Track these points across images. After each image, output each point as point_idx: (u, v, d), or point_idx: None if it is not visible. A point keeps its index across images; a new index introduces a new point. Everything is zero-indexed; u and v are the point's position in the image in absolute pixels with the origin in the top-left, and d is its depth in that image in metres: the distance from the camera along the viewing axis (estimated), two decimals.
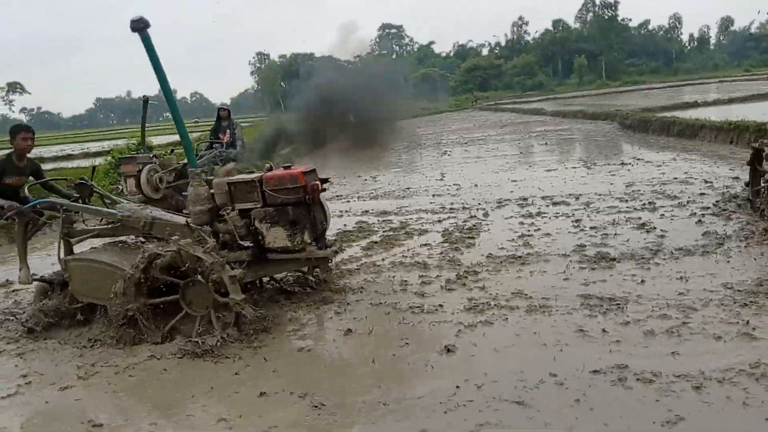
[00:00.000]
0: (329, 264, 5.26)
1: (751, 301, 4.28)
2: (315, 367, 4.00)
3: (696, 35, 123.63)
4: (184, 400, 3.70)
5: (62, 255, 5.06)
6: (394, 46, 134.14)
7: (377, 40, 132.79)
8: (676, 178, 9.32)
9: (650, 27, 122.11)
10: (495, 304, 4.68)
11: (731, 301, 4.33)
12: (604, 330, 4.03)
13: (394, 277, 5.64)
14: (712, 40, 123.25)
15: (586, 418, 3.05)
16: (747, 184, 7.12)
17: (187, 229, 4.81)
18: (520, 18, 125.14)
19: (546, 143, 17.41)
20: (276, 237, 4.86)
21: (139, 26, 4.53)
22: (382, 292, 5.24)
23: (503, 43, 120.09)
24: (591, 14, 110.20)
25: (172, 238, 4.59)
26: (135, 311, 4.45)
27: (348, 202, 10.33)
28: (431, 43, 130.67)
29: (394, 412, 3.30)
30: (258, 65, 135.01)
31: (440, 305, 4.77)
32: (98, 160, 17.71)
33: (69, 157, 28.49)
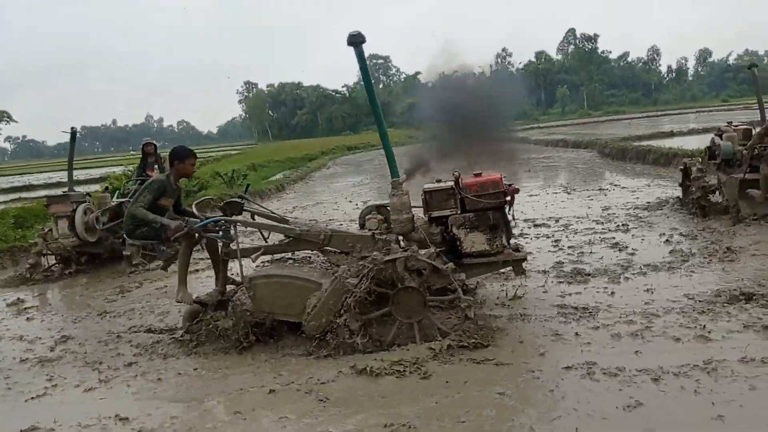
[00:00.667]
0: (524, 265, 5.29)
1: (708, 309, 4.77)
2: None
3: (674, 67, 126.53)
4: None
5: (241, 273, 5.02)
6: (380, 76, 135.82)
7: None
8: (648, 203, 9.90)
9: (629, 59, 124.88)
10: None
11: (691, 309, 4.82)
12: (576, 333, 4.50)
13: None
14: (690, 72, 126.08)
15: (559, 404, 3.50)
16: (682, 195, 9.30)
17: (371, 240, 4.86)
18: (504, 49, 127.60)
19: (529, 170, 18.03)
20: (475, 241, 5.01)
21: (357, 41, 4.67)
22: None
23: (488, 74, 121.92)
24: (572, 46, 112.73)
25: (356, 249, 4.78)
26: (355, 326, 4.42)
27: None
28: (417, 73, 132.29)
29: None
30: (246, 94, 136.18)
31: None
32: (93, 187, 18.08)
33: (59, 184, 28.77)
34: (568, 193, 12.08)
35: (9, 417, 4.02)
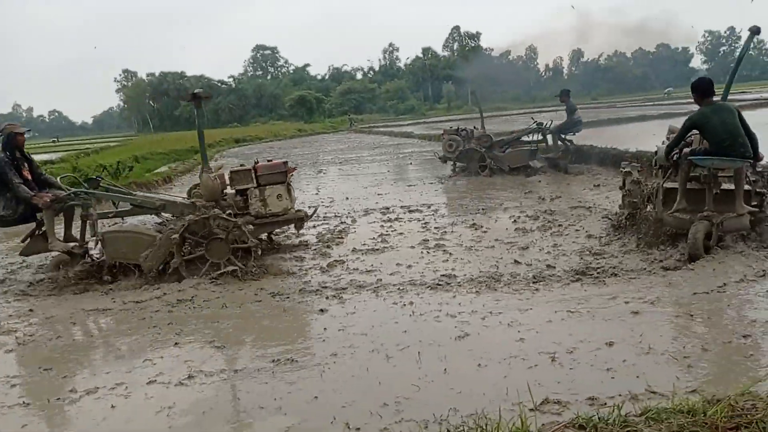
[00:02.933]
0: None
1: (522, 248, 6.03)
2: None
3: (551, 66, 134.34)
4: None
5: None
6: (268, 67, 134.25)
7: (250, 60, 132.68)
8: (503, 189, 11.36)
9: (510, 57, 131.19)
10: (351, 281, 6.13)
11: (510, 248, 6.07)
12: (446, 276, 5.60)
13: (280, 266, 6.93)
14: (565, 71, 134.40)
15: (424, 349, 4.54)
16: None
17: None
18: (391, 44, 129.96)
19: (411, 163, 19.36)
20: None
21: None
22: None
23: (377, 68, 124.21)
24: (457, 43, 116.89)
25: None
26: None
27: None
28: (306, 65, 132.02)
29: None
30: (124, 83, 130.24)
31: (318, 283, 6.14)
32: None
33: None
34: (442, 183, 13.41)
35: None
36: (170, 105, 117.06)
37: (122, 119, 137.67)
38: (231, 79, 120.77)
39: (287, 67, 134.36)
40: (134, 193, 7.70)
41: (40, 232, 6.96)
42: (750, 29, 7.15)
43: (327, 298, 5.66)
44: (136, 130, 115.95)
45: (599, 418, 2.65)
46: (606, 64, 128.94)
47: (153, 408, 3.69)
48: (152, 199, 7.20)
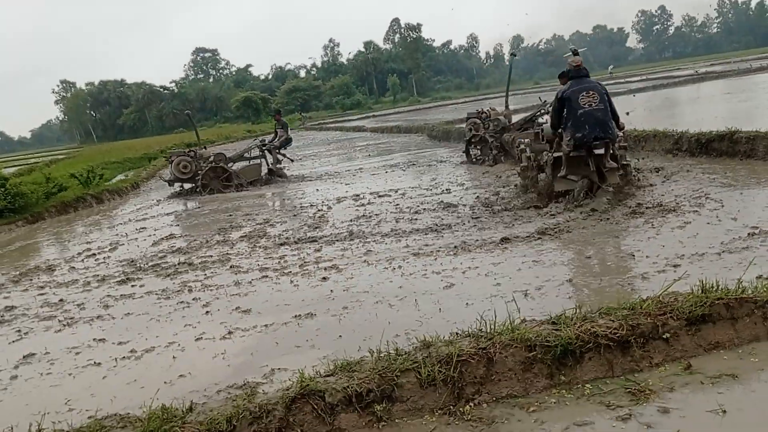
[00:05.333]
0: None
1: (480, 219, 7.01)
2: None
3: (492, 53, 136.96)
4: None
5: None
6: (210, 69, 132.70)
7: (191, 64, 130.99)
8: (467, 172, 12.37)
9: (452, 47, 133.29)
10: (347, 250, 7.00)
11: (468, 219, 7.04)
12: (426, 245, 6.51)
13: (271, 251, 7.74)
14: (506, 57, 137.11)
15: (419, 298, 5.44)
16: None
17: None
18: (331, 40, 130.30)
19: (369, 155, 20.26)
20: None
21: None
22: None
23: (319, 65, 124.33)
24: (398, 36, 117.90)
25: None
26: None
27: (208, 213, 12.18)
28: (249, 66, 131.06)
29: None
30: (63, 94, 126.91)
31: (314, 258, 6.98)
32: None
33: None
34: (403, 170, 14.36)
35: None
36: (112, 114, 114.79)
37: (63, 131, 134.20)
38: (173, 84, 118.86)
39: (229, 69, 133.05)
40: None
41: None
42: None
43: (325, 269, 6.50)
44: (79, 141, 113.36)
45: (566, 316, 3.60)
46: (546, 49, 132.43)
47: (209, 355, 4.51)
48: None
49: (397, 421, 3.19)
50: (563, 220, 7.16)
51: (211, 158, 15.28)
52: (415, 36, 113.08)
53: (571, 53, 8.57)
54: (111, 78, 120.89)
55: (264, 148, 16.39)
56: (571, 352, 3.36)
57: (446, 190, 10.63)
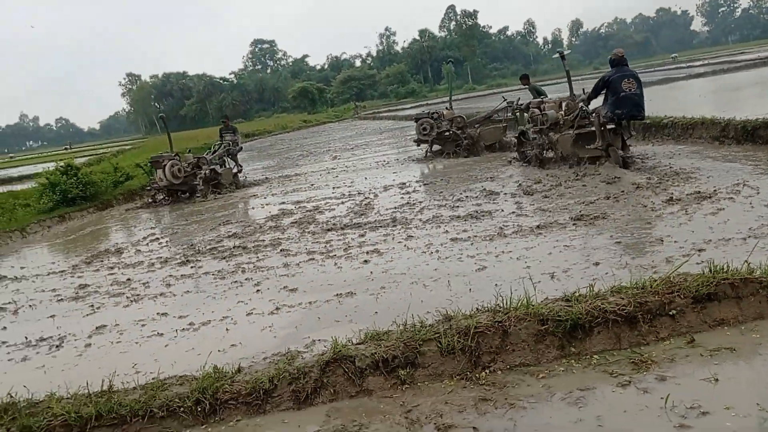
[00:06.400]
0: None
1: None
2: None
3: (550, 38, 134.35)
4: None
5: None
6: (267, 60, 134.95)
7: (249, 55, 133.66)
8: (515, 158, 12.56)
9: (509, 33, 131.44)
10: (389, 236, 7.39)
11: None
12: (464, 231, 6.85)
13: (319, 236, 8.20)
14: (565, 42, 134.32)
15: (452, 279, 5.79)
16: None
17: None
18: (387, 29, 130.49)
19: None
20: None
21: None
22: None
23: (375, 54, 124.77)
24: (453, 23, 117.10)
25: None
26: None
27: (266, 198, 12.79)
28: (305, 56, 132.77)
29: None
30: (129, 86, 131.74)
31: (358, 243, 7.40)
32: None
33: None
34: (449, 160, 14.66)
35: None
36: (175, 105, 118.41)
37: (129, 122, 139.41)
38: (232, 76, 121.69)
39: (286, 59, 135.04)
40: None
41: None
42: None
43: (367, 253, 6.91)
44: (144, 132, 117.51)
45: (579, 294, 3.89)
46: (606, 33, 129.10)
47: (257, 328, 5.00)
48: None
49: (419, 384, 3.57)
50: (600, 207, 7.35)
51: (190, 162, 14.48)
52: (471, 23, 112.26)
53: (558, 54, 11.76)
54: (174, 71, 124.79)
55: (228, 154, 15.92)
56: (581, 326, 3.66)
57: (490, 177, 10.87)
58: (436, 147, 15.54)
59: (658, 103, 14.83)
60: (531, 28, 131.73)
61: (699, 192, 7.24)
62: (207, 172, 14.55)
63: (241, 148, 17.16)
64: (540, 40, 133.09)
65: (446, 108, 16.24)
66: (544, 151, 11.17)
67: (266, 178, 16.70)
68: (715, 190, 7.15)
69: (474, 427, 3.06)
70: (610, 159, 9.49)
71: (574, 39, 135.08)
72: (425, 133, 15.22)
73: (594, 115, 9.64)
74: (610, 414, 3.02)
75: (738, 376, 3.20)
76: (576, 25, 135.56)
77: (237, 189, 15.13)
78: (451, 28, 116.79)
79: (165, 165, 13.83)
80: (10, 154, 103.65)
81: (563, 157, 10.52)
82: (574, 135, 10.15)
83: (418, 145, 16.23)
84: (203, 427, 3.47)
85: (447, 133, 15.07)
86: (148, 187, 14.75)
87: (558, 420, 3.04)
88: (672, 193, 7.42)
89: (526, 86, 14.69)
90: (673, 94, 22.08)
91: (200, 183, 14.36)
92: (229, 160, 16.10)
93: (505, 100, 15.08)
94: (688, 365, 3.35)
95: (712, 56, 58.53)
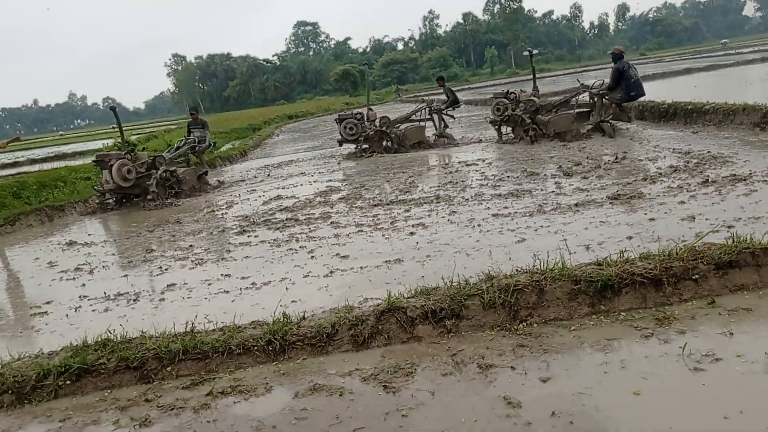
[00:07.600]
0: None
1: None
2: None
3: (596, 23, 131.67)
4: None
5: None
6: (310, 43, 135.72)
7: (292, 37, 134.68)
8: (553, 145, 12.82)
9: (554, 17, 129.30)
10: (433, 211, 7.83)
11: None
12: (505, 207, 7.25)
13: (366, 211, 8.69)
14: (611, 27, 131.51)
15: (494, 250, 6.21)
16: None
17: None
18: (431, 12, 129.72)
19: (461, 126, 20.88)
20: None
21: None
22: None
23: (417, 37, 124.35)
24: (498, 6, 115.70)
25: None
26: None
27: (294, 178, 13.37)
28: (348, 39, 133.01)
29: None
30: (174, 67, 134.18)
31: (404, 217, 7.86)
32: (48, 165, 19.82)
33: (16, 164, 29.95)
34: (490, 144, 14.98)
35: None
36: (219, 86, 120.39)
37: (174, 103, 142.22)
38: (275, 57, 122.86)
39: (328, 42, 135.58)
40: None
41: None
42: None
43: (413, 226, 7.37)
44: (189, 112, 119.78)
45: (610, 259, 4.29)
46: (655, 17, 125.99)
47: (314, 288, 5.52)
48: None
49: (463, 333, 4.03)
50: (636, 187, 7.65)
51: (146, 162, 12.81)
52: (515, 6, 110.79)
53: (527, 53, 16.73)
54: (218, 52, 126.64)
55: (195, 150, 14.99)
56: (610, 287, 4.06)
57: (531, 159, 11.19)
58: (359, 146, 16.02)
59: (701, 89, 14.86)
60: (577, 12, 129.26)
61: (735, 175, 7.48)
62: (163, 173, 12.58)
63: (210, 145, 16.13)
64: (586, 25, 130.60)
65: (368, 109, 17.20)
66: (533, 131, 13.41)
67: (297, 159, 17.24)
68: (750, 173, 7.39)
69: (512, 366, 3.51)
70: (603, 132, 12.79)
71: (620, 24, 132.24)
72: (351, 133, 15.88)
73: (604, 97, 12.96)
74: (632, 358, 3.43)
75: (752, 331, 3.56)
76: (622, 9, 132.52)
77: (203, 192, 13.24)
78: (495, 11, 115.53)
79: (112, 165, 12.07)
80: (60, 132, 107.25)
81: (557, 133, 13.06)
82: (575, 114, 13.23)
83: (341, 145, 16.81)
84: (274, 363, 4.00)
85: (371, 133, 15.80)
86: (96, 190, 12.97)
87: (586, 362, 3.47)
88: (708, 176, 7.68)
89: (441, 87, 17.54)
90: (717, 81, 21.86)
91: (153, 185, 12.24)
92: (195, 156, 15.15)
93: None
94: (707, 322, 3.73)
95: (763, 42, 56.84)
